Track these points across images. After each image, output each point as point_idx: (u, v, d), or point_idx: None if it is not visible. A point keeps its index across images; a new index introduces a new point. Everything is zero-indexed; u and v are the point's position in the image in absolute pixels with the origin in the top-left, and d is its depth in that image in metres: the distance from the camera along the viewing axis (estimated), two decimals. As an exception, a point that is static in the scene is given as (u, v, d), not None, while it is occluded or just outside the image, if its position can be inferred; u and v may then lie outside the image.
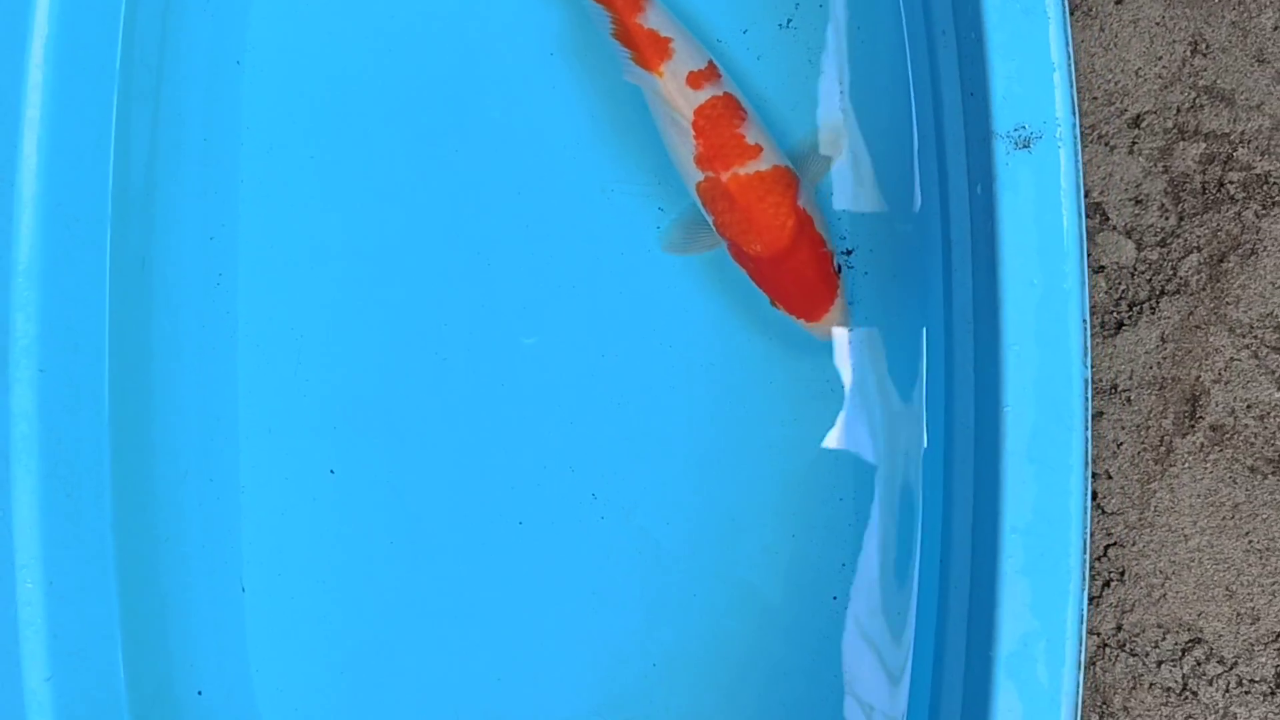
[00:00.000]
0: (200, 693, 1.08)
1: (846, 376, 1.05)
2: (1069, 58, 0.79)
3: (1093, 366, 1.06)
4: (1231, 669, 1.06)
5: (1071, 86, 0.79)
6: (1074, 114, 0.79)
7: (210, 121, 1.11)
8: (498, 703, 1.07)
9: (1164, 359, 1.05)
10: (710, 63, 1.00)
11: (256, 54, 1.11)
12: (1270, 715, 1.05)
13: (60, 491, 1.02)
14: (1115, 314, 1.05)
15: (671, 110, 0.98)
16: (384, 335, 1.08)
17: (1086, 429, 0.78)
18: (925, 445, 1.00)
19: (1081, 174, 0.76)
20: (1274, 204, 1.05)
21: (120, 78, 1.06)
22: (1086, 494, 0.77)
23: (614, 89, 1.07)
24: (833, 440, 1.05)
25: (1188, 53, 1.06)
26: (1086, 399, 0.78)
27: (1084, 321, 0.76)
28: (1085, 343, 0.77)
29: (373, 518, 1.08)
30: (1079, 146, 0.77)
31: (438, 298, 1.08)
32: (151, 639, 1.07)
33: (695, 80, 0.98)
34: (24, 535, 0.99)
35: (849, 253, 1.05)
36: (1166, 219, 1.06)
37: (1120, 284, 1.06)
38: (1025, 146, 0.79)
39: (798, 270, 0.98)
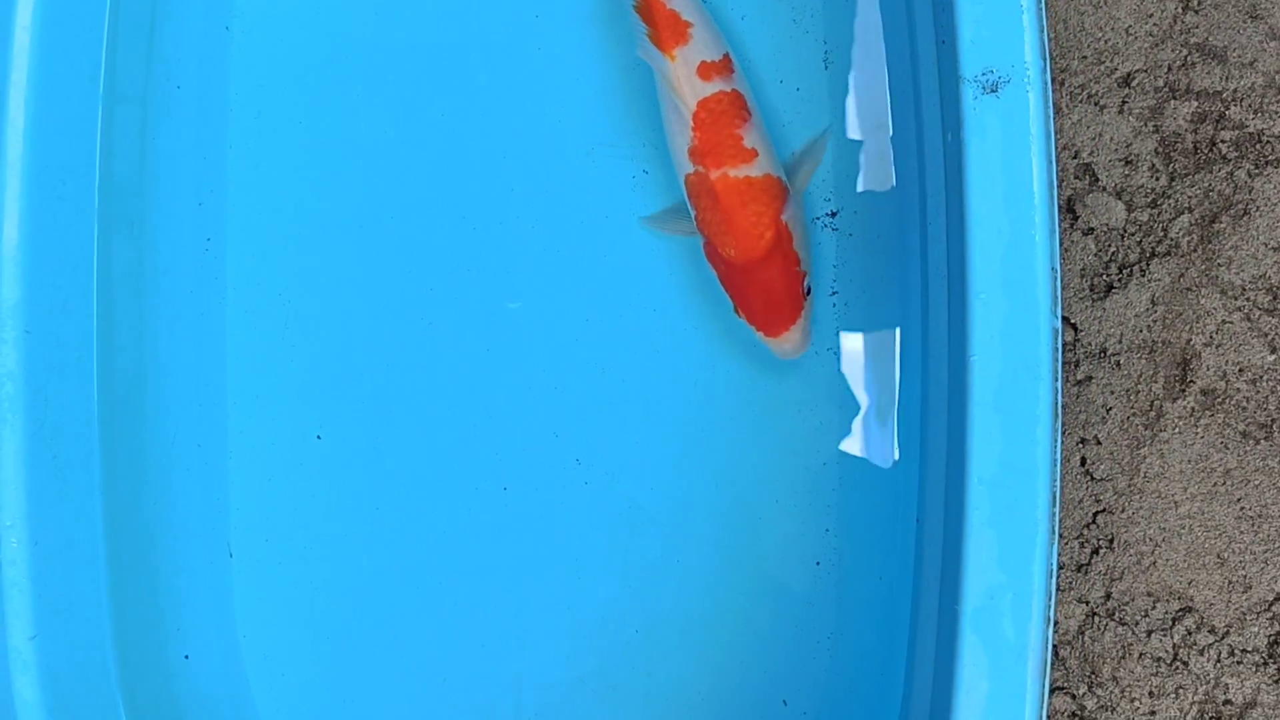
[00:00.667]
0: (188, 657, 1.08)
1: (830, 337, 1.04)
2: (1039, 2, 0.78)
3: (1081, 330, 1.04)
4: (1223, 638, 1.04)
5: (1042, 31, 0.77)
6: (1044, 59, 0.77)
7: (201, 86, 1.11)
8: (482, 668, 1.07)
9: (1154, 322, 1.03)
10: (726, 55, 0.99)
11: (245, 20, 1.11)
12: (1263, 686, 1.03)
13: (46, 452, 1.02)
14: (1105, 276, 1.04)
15: (676, 96, 0.97)
16: (370, 300, 1.08)
17: (1056, 379, 0.76)
18: (901, 402, 0.99)
19: (1053, 121, 0.75)
20: (1267, 163, 1.03)
21: (109, 40, 1.07)
22: (1055, 446, 0.76)
23: (601, 52, 1.07)
24: (815, 402, 1.04)
25: (1179, 9, 1.04)
26: (1056, 349, 0.76)
27: (1053, 270, 0.75)
28: (1055, 292, 0.75)
29: (359, 483, 1.08)
30: (1049, 93, 0.75)
31: (423, 263, 1.08)
32: (139, 602, 1.08)
33: (706, 71, 0.97)
34: (8, 494, 1.00)
35: (834, 214, 1.04)
36: (1157, 179, 1.04)
37: (1110, 246, 1.04)
38: (993, 91, 0.78)
39: (766, 283, 0.96)
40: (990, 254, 0.76)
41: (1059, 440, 0.75)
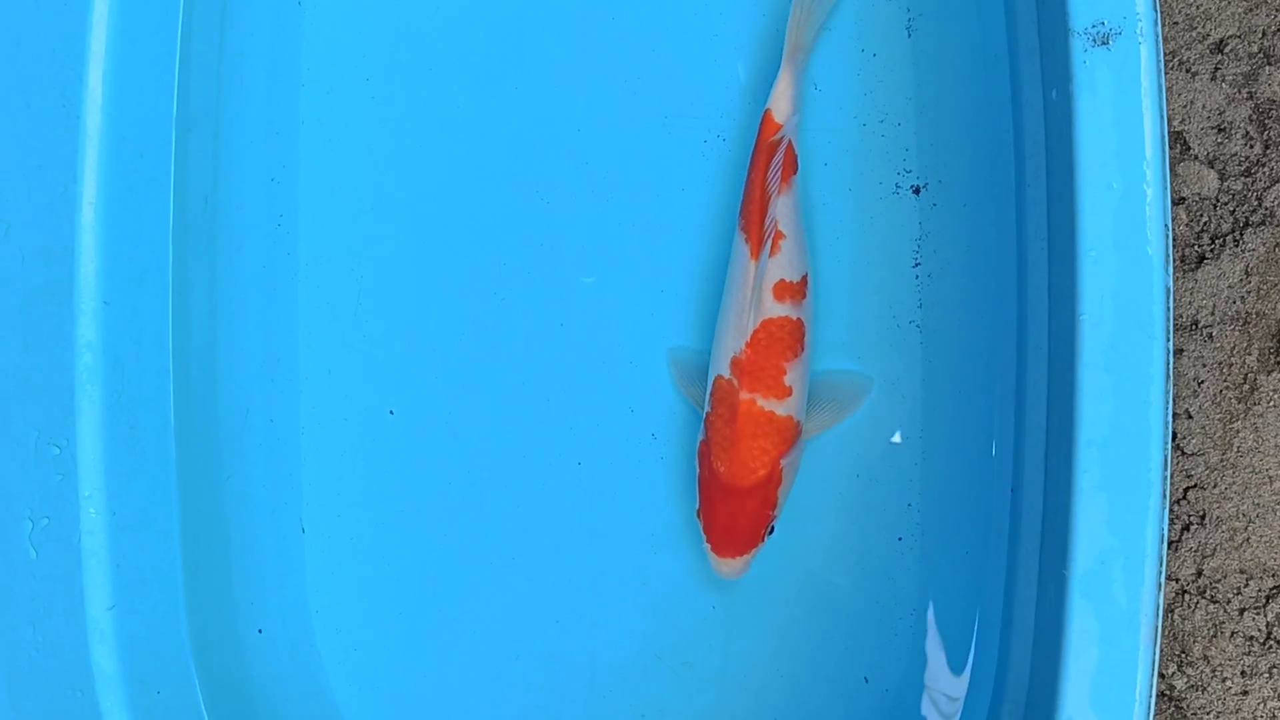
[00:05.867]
0: (260, 631, 1.08)
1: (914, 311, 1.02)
2: (1149, -51, 0.76)
3: (1174, 301, 1.02)
4: (1319, 617, 1.01)
5: (1153, -20, 0.75)
6: (1155, 9, 0.75)
7: (272, 62, 1.11)
8: (555, 645, 1.06)
9: (1248, 293, 1.01)
10: (804, 277, 0.97)
11: (318, -6, 1.11)
12: (1360, 666, 1.01)
13: (124, 423, 1.03)
14: (1197, 247, 1.01)
15: (744, 300, 0.95)
16: (443, 276, 1.08)
17: (1168, 339, 0.74)
18: (996, 373, 0.97)
19: (1164, 73, 0.73)
20: (1367, 129, 1.01)
21: (184, 14, 1.07)
22: (1168, 407, 0.74)
23: (672, 22, 1.06)
24: (898, 377, 1.02)
25: (1275, -27, 1.02)
26: (1168, 308, 0.74)
27: (1166, 227, 0.73)
28: (1168, 249, 0.73)
29: (432, 459, 1.08)
30: (1160, 44, 0.73)
31: (497, 237, 1.07)
32: (213, 575, 1.08)
33: (781, 292, 0.95)
34: (88, 465, 1.00)
35: (917, 189, 1.02)
36: (1251, 147, 1.02)
37: (1202, 216, 1.02)
38: (1104, 43, 0.76)
39: (735, 512, 0.96)
40: (1102, 211, 0.75)
41: (1170, 402, 0.73)
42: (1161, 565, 0.74)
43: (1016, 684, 0.87)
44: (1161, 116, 0.74)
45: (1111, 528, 0.74)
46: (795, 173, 0.98)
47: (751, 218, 0.96)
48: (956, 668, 0.99)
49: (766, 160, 0.96)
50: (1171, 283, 0.73)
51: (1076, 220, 0.75)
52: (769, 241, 0.94)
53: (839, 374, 1.01)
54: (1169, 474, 0.74)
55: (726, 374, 0.96)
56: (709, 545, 0.97)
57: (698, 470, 0.99)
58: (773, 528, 0.97)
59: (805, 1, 0.97)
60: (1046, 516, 0.81)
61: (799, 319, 0.96)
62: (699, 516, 0.98)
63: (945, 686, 0.98)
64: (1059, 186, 0.78)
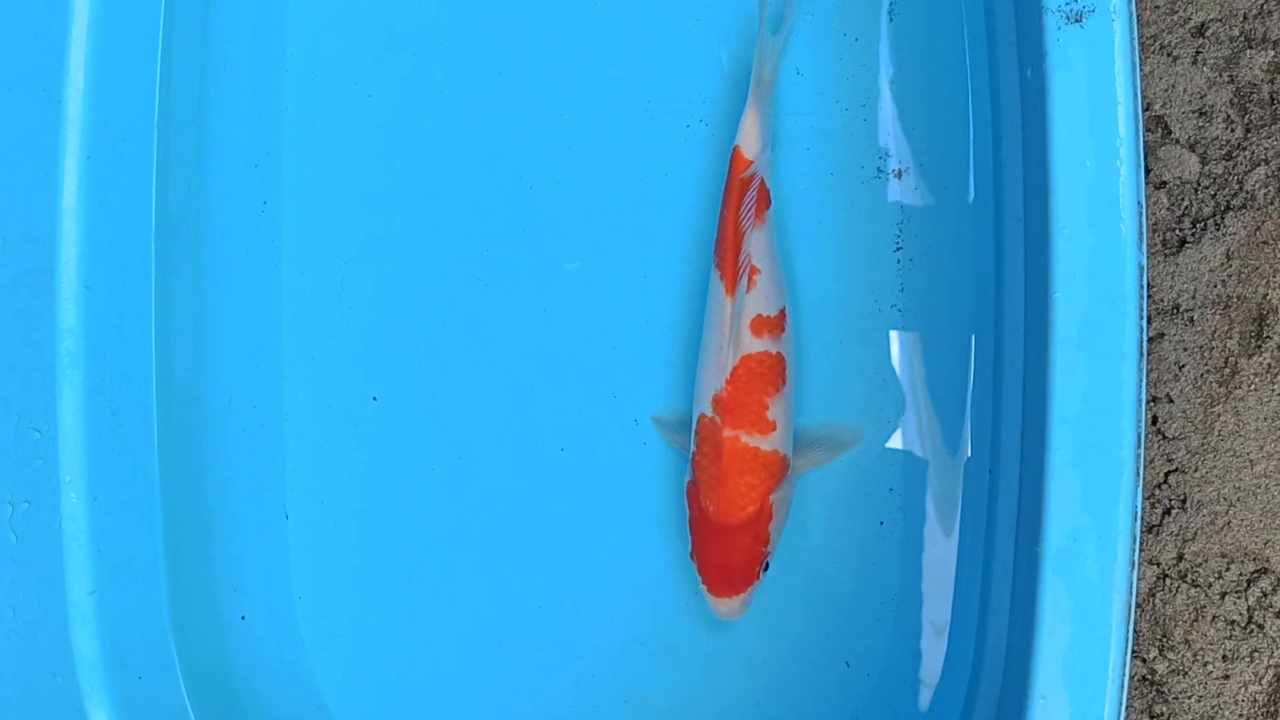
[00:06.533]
0: (244, 617, 1.08)
1: (895, 295, 1.02)
2: (1120, -73, 0.76)
3: (1153, 286, 1.02)
4: (1300, 601, 1.01)
5: (1123, -43, 0.75)
6: (1128, -14, 0.75)
7: (257, 48, 1.11)
8: (539, 630, 1.06)
9: (1229, 277, 1.01)
10: (782, 311, 0.97)
11: (302, -21, 1.11)
12: (1341, 650, 1.01)
13: (105, 409, 1.03)
14: (1178, 231, 1.01)
15: (723, 337, 0.95)
16: (427, 262, 1.08)
17: (1141, 317, 0.74)
18: (976, 354, 0.97)
19: (1138, 51, 0.73)
20: (1347, 112, 1.01)
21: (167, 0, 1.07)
22: (1141, 384, 0.74)
23: (655, 7, 1.06)
24: (878, 363, 1.02)
25: (1255, -44, 1.02)
26: (1142, 285, 0.74)
27: (1139, 204, 0.73)
28: (1141, 226, 0.73)
29: (415, 444, 1.08)
30: (1135, 21, 0.73)
31: (480, 223, 1.07)
32: (195, 561, 1.08)
33: (759, 327, 0.95)
34: (69, 448, 1.00)
35: (900, 173, 1.02)
36: (1232, 131, 1.01)
37: (1183, 200, 1.02)
38: (1077, 21, 0.76)
39: (728, 551, 0.95)
40: (1075, 188, 0.75)
41: (1144, 379, 0.73)
42: (1135, 543, 0.73)
43: (993, 665, 0.87)
44: (1135, 94, 0.74)
45: (1084, 505, 0.74)
46: (768, 207, 0.98)
47: (725, 254, 0.96)
48: (935, 650, 0.99)
49: (738, 197, 0.96)
50: (1145, 260, 0.73)
51: (1050, 198, 0.75)
52: (744, 278, 0.93)
53: (831, 425, 1.00)
54: (1143, 452, 0.74)
55: (709, 412, 0.96)
56: (705, 587, 0.96)
57: (688, 512, 0.98)
58: (768, 564, 0.97)
59: (768, 40, 0.97)
60: (1022, 495, 0.81)
61: (779, 353, 0.96)
62: (692, 558, 0.97)
63: (925, 669, 0.98)
64: (1035, 165, 0.78)
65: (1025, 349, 0.82)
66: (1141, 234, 0.74)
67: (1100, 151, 0.74)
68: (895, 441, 1.02)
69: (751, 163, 0.96)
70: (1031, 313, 0.81)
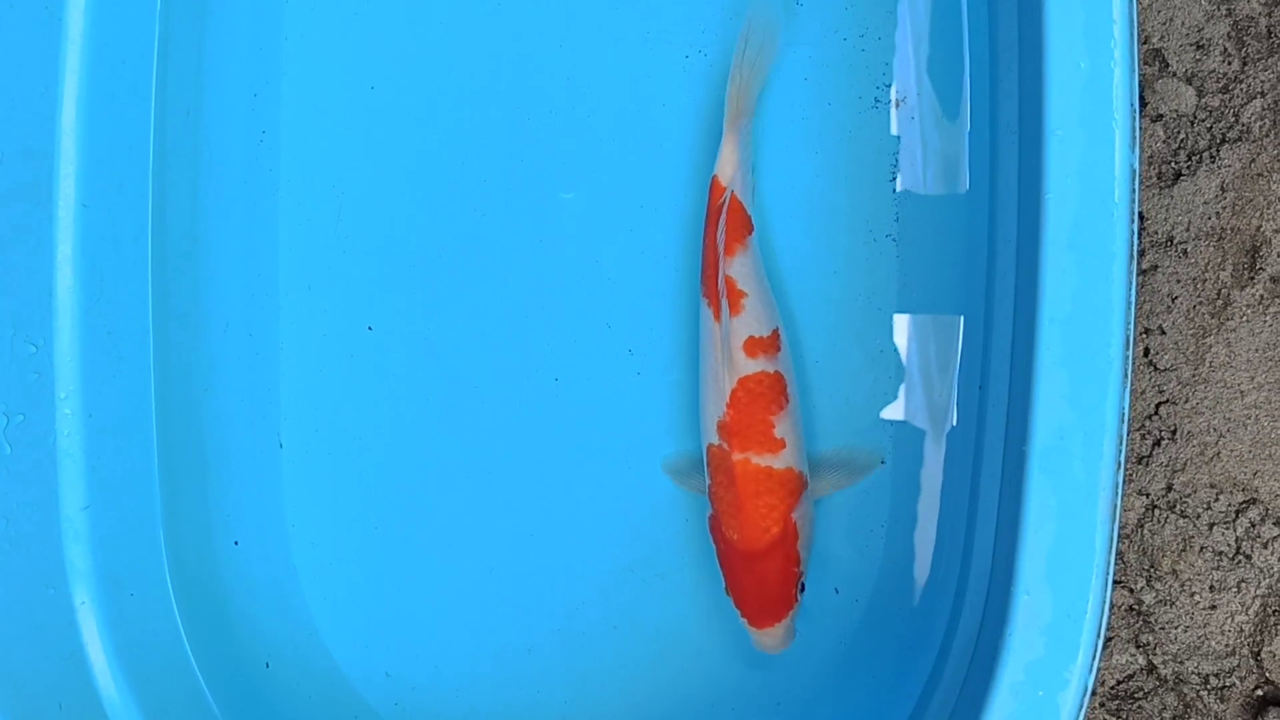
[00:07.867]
0: (237, 543, 1.09)
1: (890, 224, 1.02)
2: None
3: (1148, 219, 1.03)
4: (1288, 532, 1.02)
5: None
6: (1124, -113, 0.75)
7: (258, -26, 1.11)
8: (530, 558, 1.06)
9: (1223, 209, 1.01)
10: (775, 331, 0.96)
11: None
12: (1328, 582, 1.01)
13: (101, 328, 1.03)
14: (1173, 164, 1.02)
15: (717, 364, 0.95)
16: (423, 192, 1.08)
17: (1133, 219, 0.74)
18: (969, 261, 0.97)
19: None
20: (1344, 45, 1.01)
21: (170, -77, 1.07)
22: (1130, 285, 0.74)
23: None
24: (873, 286, 1.02)
25: (1255, -113, 1.02)
26: (1134, 187, 0.74)
27: (1132, 106, 0.73)
28: (1134, 128, 0.73)
29: (409, 374, 1.08)
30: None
31: (476, 153, 1.08)
32: (190, 485, 1.08)
33: (752, 348, 0.95)
34: (64, 365, 1.01)
35: (899, 103, 1.03)
36: (1229, 64, 1.02)
37: (1179, 133, 1.02)
38: (1074, -76, 0.76)
39: (761, 576, 0.94)
40: (1069, 90, 0.75)
41: (1134, 281, 0.73)
42: (1122, 444, 0.74)
43: (979, 576, 0.88)
44: (1131, -1, 0.75)
45: (1072, 404, 0.74)
46: (750, 232, 0.97)
47: (708, 281, 0.96)
48: (922, 568, 0.99)
49: (716, 223, 0.95)
50: (1138, 164, 0.73)
51: (1044, 99, 0.75)
52: (724, 301, 0.93)
53: (848, 449, 1.00)
54: (1131, 353, 0.74)
55: (716, 440, 0.96)
56: (745, 620, 0.95)
57: (715, 547, 0.97)
58: (803, 585, 0.95)
59: (743, 71, 0.97)
60: (1012, 399, 0.81)
61: (776, 372, 0.95)
62: (728, 594, 0.96)
63: (913, 589, 0.99)
64: (1030, 71, 0.79)
65: (1018, 255, 0.82)
66: (1135, 137, 0.74)
67: (1095, 53, 0.75)
68: (888, 370, 1.02)
69: (726, 189, 0.96)
70: (1024, 217, 0.81)
